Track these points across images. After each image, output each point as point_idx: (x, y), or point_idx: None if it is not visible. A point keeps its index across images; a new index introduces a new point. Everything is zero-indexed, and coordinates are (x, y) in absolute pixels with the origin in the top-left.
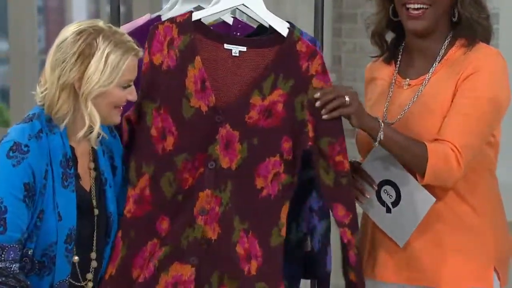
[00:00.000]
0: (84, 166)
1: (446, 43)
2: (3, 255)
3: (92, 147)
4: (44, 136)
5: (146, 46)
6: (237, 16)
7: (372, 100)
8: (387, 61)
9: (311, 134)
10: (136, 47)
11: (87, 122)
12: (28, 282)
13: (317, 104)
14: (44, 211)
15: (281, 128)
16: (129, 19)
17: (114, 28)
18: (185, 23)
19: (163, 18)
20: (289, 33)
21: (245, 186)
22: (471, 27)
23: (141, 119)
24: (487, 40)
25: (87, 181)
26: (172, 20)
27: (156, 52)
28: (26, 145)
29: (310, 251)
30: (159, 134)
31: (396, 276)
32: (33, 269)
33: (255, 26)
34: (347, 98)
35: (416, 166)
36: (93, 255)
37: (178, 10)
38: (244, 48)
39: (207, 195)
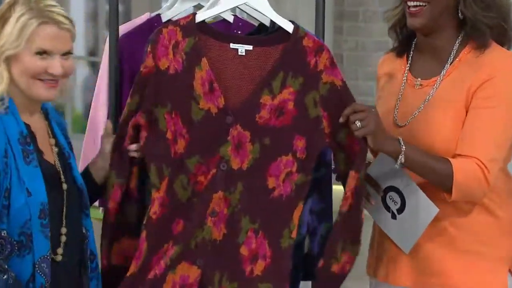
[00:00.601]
0: (45, 143)
1: (457, 43)
2: None
3: (49, 124)
4: None
5: (150, 50)
6: (237, 14)
7: (382, 98)
8: (399, 54)
9: (327, 130)
10: (57, 18)
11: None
12: (6, 266)
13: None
14: (10, 189)
15: (292, 126)
16: (128, 18)
17: (47, 0)
18: (189, 26)
19: (163, 17)
20: (294, 30)
21: (257, 186)
22: (475, 27)
23: (155, 125)
24: (502, 43)
25: (50, 157)
26: (175, 23)
27: (162, 56)
28: None
29: (309, 253)
30: (173, 137)
31: (409, 280)
32: (13, 250)
33: (256, 24)
34: (357, 123)
35: (441, 185)
36: (63, 230)
37: (178, 8)
38: (250, 47)
39: (219, 197)
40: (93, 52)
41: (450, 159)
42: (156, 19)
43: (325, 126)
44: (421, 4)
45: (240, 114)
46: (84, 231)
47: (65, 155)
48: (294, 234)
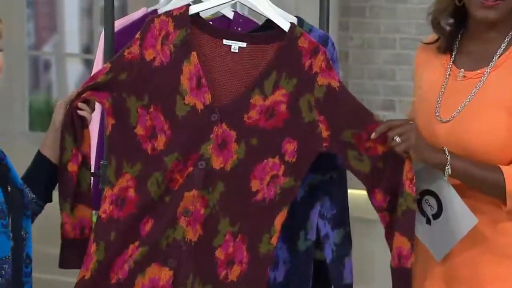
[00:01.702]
0: None
1: (509, 35)
2: None
3: None
4: None
5: (138, 37)
6: (238, 10)
7: (423, 89)
8: (443, 50)
9: (325, 134)
10: None
11: None
12: None
13: (370, 144)
14: None
15: (283, 129)
16: (124, 13)
17: None
18: (182, 17)
19: (160, 12)
20: (290, 28)
21: (239, 188)
22: None
23: (123, 116)
24: None
25: None
26: (168, 13)
27: (149, 47)
28: None
29: (322, 260)
30: (147, 133)
31: None
32: None
33: (257, 20)
34: (396, 138)
35: (494, 195)
36: (10, 234)
37: (176, 3)
38: (244, 44)
39: (193, 195)
40: (88, 49)
41: (502, 167)
42: (153, 14)
43: (323, 130)
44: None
45: (227, 113)
46: (23, 233)
47: (0, 156)
48: (274, 240)
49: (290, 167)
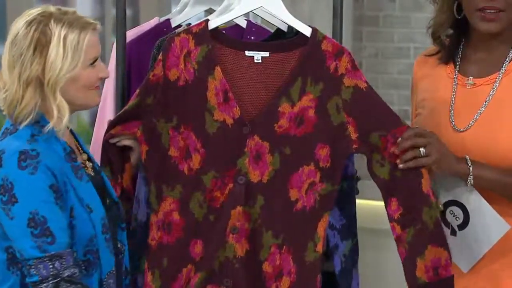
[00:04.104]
0: (79, 158)
1: None
2: (64, 263)
3: (77, 140)
4: (39, 138)
5: (160, 58)
6: (251, 18)
7: (430, 100)
8: (445, 61)
9: (353, 136)
10: (92, 22)
11: (55, 114)
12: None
13: (395, 150)
14: (73, 208)
15: (314, 134)
16: (136, 22)
17: (63, 9)
18: (202, 33)
19: (172, 21)
20: (312, 33)
21: (278, 199)
22: None
23: (156, 140)
24: None
25: (90, 172)
26: (188, 31)
27: (172, 66)
28: (33, 149)
29: (331, 272)
30: (181, 154)
31: None
32: (80, 271)
33: (269, 29)
34: (422, 150)
35: None
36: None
37: (188, 13)
38: (266, 54)
39: (239, 212)
40: (99, 58)
41: None
42: (165, 24)
43: (351, 132)
44: (500, 9)
45: (257, 124)
46: (119, 246)
47: (97, 169)
48: (319, 248)
49: (325, 172)
